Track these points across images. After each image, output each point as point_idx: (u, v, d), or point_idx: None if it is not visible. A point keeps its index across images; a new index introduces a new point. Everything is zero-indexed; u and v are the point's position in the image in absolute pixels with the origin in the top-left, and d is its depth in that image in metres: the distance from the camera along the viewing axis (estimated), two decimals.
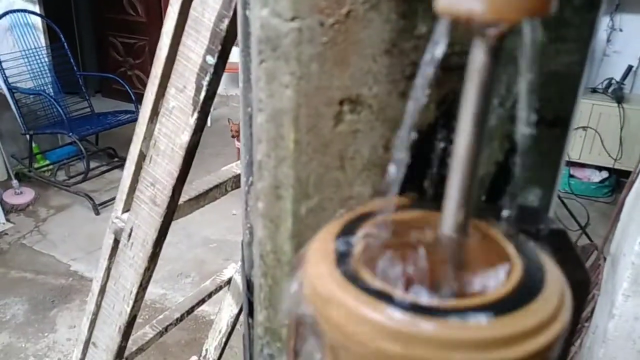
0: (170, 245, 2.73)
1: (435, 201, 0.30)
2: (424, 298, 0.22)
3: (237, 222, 3.06)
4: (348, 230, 0.28)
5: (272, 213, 0.35)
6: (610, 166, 3.28)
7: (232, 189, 1.25)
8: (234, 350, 2.24)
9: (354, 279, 0.23)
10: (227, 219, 3.09)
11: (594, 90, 3.30)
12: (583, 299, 0.38)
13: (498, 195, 0.36)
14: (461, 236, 0.25)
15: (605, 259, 1.49)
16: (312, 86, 0.31)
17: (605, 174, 3.37)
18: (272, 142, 0.33)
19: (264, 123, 0.33)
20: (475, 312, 0.21)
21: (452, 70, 0.32)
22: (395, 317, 0.21)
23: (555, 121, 0.35)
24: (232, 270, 1.65)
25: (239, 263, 1.65)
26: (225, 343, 1.71)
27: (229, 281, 1.66)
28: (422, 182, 0.35)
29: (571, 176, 3.37)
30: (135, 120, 3.69)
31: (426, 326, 0.20)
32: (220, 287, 1.63)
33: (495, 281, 0.25)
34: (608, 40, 3.32)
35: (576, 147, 3.28)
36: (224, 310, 1.68)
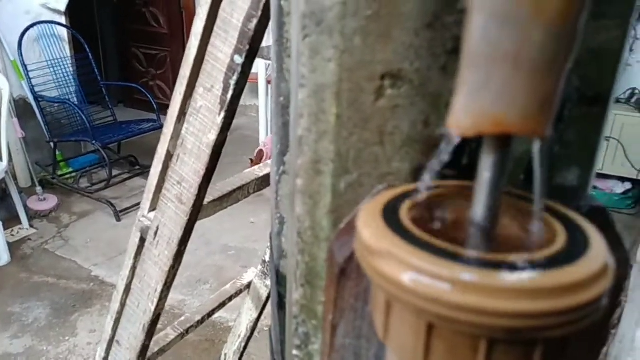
0: (189, 252, 2.75)
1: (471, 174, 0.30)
2: (477, 253, 0.22)
3: (255, 230, 3.07)
4: (394, 201, 0.29)
5: (311, 189, 0.36)
6: (634, 177, 3.23)
7: (255, 192, 1.26)
8: (252, 357, 2.24)
9: (407, 236, 0.24)
10: (245, 227, 3.11)
11: (617, 100, 3.26)
12: (622, 277, 0.38)
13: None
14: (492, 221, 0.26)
15: (632, 266, 1.47)
16: (354, 60, 0.32)
17: (628, 185, 3.31)
18: (314, 117, 0.34)
19: (306, 98, 0.34)
20: (526, 266, 0.21)
21: None
22: (451, 268, 0.21)
23: (595, 99, 0.35)
24: (252, 275, 1.65)
25: (259, 267, 1.65)
26: (245, 348, 1.71)
27: (248, 285, 1.67)
28: (461, 158, 0.36)
29: (594, 187, 3.32)
30: (157, 129, 3.76)
31: (485, 277, 0.20)
32: (241, 291, 1.64)
33: (538, 245, 0.25)
34: (630, 50, 3.28)
35: (598, 158, 3.23)
36: (244, 314, 1.69)
